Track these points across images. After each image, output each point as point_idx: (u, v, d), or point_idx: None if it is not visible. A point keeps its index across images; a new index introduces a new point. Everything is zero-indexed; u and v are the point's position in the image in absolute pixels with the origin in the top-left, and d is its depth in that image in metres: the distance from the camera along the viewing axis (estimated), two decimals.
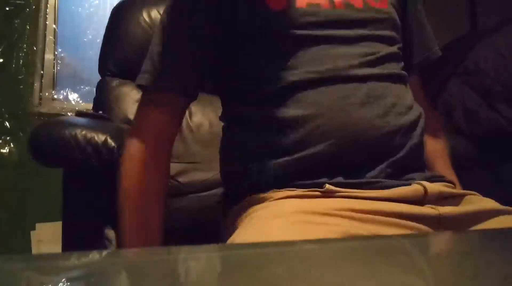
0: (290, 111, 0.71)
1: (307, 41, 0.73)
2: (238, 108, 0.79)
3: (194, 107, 1.13)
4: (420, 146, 0.76)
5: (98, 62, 1.19)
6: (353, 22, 0.75)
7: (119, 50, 1.14)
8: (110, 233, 0.90)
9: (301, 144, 0.70)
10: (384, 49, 0.77)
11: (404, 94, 0.77)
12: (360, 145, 0.70)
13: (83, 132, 0.83)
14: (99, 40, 2.38)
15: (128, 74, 1.10)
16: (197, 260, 0.43)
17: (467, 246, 0.52)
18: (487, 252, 0.47)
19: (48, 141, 0.83)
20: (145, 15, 1.15)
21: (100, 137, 0.84)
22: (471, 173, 1.39)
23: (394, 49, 0.80)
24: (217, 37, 0.79)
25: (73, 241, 0.95)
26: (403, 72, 0.81)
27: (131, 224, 0.75)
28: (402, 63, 0.82)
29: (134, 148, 0.76)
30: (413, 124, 0.75)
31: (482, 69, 1.38)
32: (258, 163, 0.73)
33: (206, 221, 0.98)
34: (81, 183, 0.94)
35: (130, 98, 1.07)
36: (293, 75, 0.72)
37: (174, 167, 1.01)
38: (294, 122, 0.71)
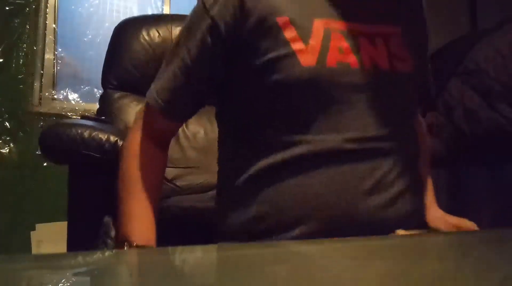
0: (298, 183, 0.68)
1: (333, 103, 0.69)
2: (239, 166, 0.75)
3: None
4: (420, 221, 0.76)
5: (101, 76, 1.25)
6: (379, 85, 0.71)
7: (121, 65, 1.22)
8: (108, 221, 0.93)
9: (299, 221, 0.68)
10: (404, 121, 0.75)
11: (412, 172, 0.75)
12: (357, 231, 0.68)
13: (88, 131, 0.93)
14: (99, 40, 2.40)
15: (129, 87, 1.19)
16: (197, 260, 0.43)
17: (467, 246, 0.52)
18: (487, 252, 0.47)
19: (56, 139, 0.92)
20: (144, 33, 1.23)
21: (103, 134, 0.94)
22: (471, 172, 1.39)
23: (411, 121, 0.78)
24: (230, 79, 0.75)
25: (78, 240, 0.99)
26: (417, 148, 0.78)
27: (128, 210, 0.76)
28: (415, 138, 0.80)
29: (133, 148, 0.78)
30: (417, 211, 0.75)
31: (482, 69, 1.38)
32: (243, 226, 0.72)
33: (201, 214, 1.04)
34: (86, 182, 1.00)
35: (130, 109, 1.16)
36: (311, 143, 0.68)
37: (172, 172, 1.08)
38: (301, 196, 0.68)
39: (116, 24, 1.28)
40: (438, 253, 0.50)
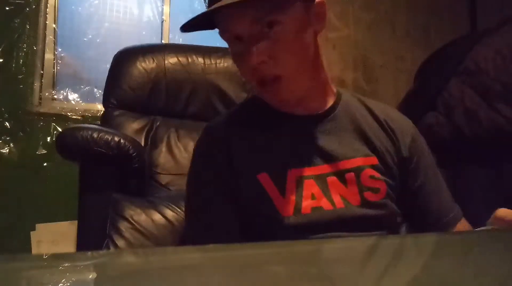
0: None
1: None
2: None
3: (182, 131, 1.38)
4: None
5: (103, 97, 1.41)
6: (352, 222, 0.75)
7: (120, 87, 1.39)
8: (118, 198, 1.09)
9: None
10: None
11: None
12: None
13: (97, 132, 1.13)
14: (99, 40, 2.40)
15: (126, 105, 1.38)
16: (196, 260, 0.43)
17: (467, 246, 0.52)
18: (487, 252, 0.47)
19: (71, 138, 1.12)
20: (140, 59, 1.41)
21: (109, 135, 1.14)
22: (471, 172, 1.39)
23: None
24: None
25: (87, 240, 1.12)
26: None
27: None
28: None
29: None
30: None
31: (482, 69, 1.38)
32: None
33: None
34: (94, 175, 1.17)
35: (128, 125, 1.36)
36: None
37: (166, 178, 1.28)
38: None
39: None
40: (438, 253, 0.50)
